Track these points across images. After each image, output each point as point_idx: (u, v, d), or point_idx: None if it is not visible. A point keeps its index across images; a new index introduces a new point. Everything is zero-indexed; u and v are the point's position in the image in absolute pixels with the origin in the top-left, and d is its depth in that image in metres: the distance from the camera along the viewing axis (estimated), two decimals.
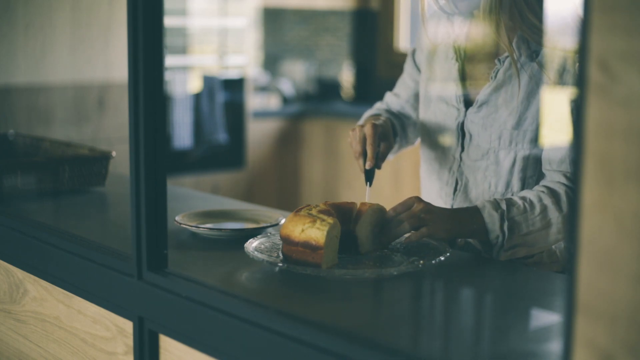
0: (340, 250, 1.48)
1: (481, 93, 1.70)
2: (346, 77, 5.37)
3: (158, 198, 1.42)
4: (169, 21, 4.64)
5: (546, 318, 1.27)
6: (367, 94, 5.35)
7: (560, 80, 1.61)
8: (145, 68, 1.37)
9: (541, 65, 1.63)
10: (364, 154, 1.71)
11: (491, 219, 1.54)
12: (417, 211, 1.52)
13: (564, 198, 1.56)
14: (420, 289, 1.42)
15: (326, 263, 1.42)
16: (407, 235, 1.54)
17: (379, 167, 1.73)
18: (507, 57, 1.68)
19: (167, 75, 4.62)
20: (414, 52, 1.92)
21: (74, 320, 1.66)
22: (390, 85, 2.02)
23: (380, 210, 1.55)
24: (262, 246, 1.53)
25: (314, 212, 1.47)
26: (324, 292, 1.37)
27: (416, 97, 1.91)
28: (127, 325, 1.50)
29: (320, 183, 5.07)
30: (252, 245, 1.52)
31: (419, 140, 1.92)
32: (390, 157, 1.86)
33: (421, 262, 1.44)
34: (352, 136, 1.74)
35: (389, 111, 1.95)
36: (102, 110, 4.01)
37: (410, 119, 1.93)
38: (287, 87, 5.36)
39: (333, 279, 1.39)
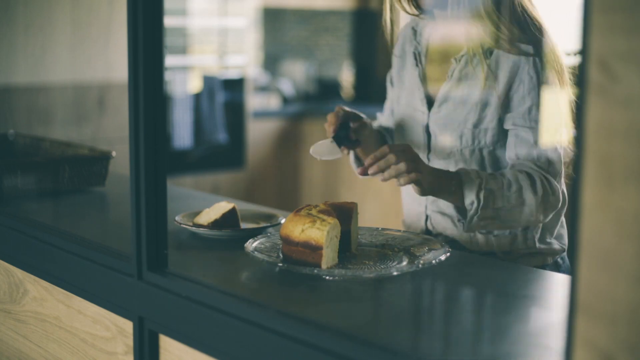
0: (340, 250, 1.48)
1: (440, 92, 1.75)
2: (346, 77, 5.38)
3: (158, 198, 1.42)
4: (169, 21, 4.64)
5: (546, 318, 1.27)
6: (367, 94, 5.35)
7: (493, 80, 1.66)
8: (145, 68, 1.37)
9: (493, 66, 1.67)
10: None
11: (470, 184, 1.59)
12: (412, 156, 1.57)
13: (539, 183, 1.61)
14: (420, 289, 1.42)
15: (326, 263, 1.42)
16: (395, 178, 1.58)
17: (341, 139, 1.80)
18: (462, 56, 1.73)
19: (167, 75, 4.62)
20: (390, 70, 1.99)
21: (74, 320, 1.66)
22: None
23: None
24: (262, 246, 1.53)
25: (314, 212, 1.47)
26: (324, 292, 1.37)
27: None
28: (127, 325, 1.50)
29: (320, 183, 5.07)
30: (252, 245, 1.52)
31: None
32: None
33: (421, 262, 1.45)
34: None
35: (380, 125, 2.03)
36: (102, 110, 4.01)
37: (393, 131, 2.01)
38: (287, 87, 5.36)
39: (333, 279, 1.39)
